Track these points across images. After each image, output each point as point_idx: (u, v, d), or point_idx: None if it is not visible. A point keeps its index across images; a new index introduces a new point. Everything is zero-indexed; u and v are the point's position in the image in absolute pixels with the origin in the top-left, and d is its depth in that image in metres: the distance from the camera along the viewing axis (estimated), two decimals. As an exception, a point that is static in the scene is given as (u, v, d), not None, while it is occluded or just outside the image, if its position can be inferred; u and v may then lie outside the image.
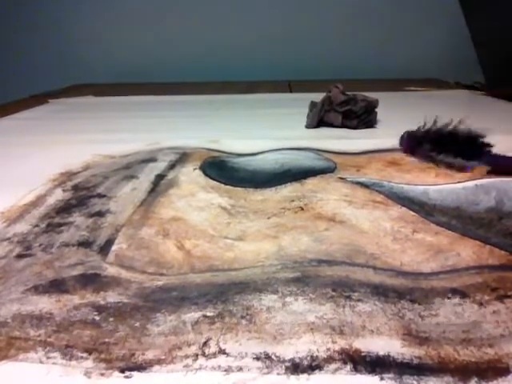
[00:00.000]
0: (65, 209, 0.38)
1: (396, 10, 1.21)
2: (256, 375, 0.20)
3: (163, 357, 0.21)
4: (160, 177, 0.45)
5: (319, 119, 0.65)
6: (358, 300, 0.25)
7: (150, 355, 0.21)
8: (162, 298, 0.25)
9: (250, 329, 0.23)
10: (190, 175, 0.45)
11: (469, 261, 0.29)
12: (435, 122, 0.26)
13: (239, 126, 0.68)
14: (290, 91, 1.08)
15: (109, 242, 0.32)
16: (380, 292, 0.25)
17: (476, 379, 0.19)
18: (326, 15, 1.22)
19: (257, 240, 0.32)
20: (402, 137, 0.36)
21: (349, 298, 0.25)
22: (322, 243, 0.31)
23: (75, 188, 0.42)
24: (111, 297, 0.26)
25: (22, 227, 0.34)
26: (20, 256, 0.30)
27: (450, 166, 0.27)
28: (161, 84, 1.18)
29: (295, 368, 0.20)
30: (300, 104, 0.72)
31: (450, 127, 0.26)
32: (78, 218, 0.36)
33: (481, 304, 0.24)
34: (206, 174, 0.45)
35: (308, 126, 0.66)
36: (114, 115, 0.79)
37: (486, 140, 0.26)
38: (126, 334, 0.22)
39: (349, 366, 0.20)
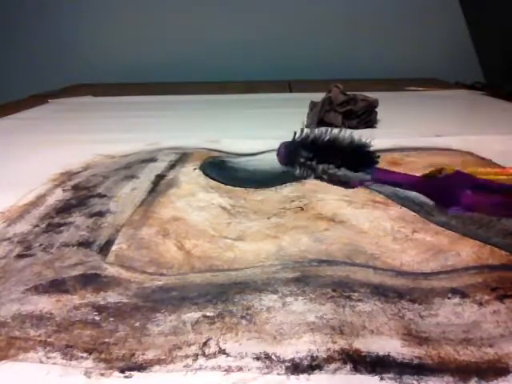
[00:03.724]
0: (65, 209, 0.38)
1: (396, 10, 1.21)
2: (256, 375, 0.20)
3: (163, 357, 0.21)
4: (160, 177, 0.45)
5: (319, 119, 0.65)
6: (358, 300, 0.25)
7: (150, 355, 0.21)
8: (162, 297, 0.25)
9: (250, 329, 0.23)
10: (190, 175, 0.45)
11: (469, 261, 0.29)
12: (312, 129, 0.23)
13: (239, 126, 0.68)
14: (290, 91, 1.08)
15: (109, 242, 0.32)
16: (380, 292, 0.25)
17: (476, 379, 0.19)
18: (326, 15, 1.22)
19: (257, 240, 0.32)
20: (279, 149, 0.33)
21: (349, 298, 0.25)
22: (322, 243, 0.31)
23: (75, 188, 0.42)
24: (111, 297, 0.25)
25: (22, 227, 0.34)
26: (20, 256, 0.30)
27: (333, 181, 0.23)
28: (161, 84, 1.18)
29: (295, 368, 0.20)
30: (300, 104, 0.72)
31: (330, 135, 0.23)
32: (78, 217, 0.36)
33: (481, 304, 0.24)
34: (206, 174, 0.45)
35: (308, 126, 0.65)
36: (113, 115, 0.79)
37: (372, 150, 0.23)
38: (125, 333, 0.22)
39: (349, 366, 0.20)
